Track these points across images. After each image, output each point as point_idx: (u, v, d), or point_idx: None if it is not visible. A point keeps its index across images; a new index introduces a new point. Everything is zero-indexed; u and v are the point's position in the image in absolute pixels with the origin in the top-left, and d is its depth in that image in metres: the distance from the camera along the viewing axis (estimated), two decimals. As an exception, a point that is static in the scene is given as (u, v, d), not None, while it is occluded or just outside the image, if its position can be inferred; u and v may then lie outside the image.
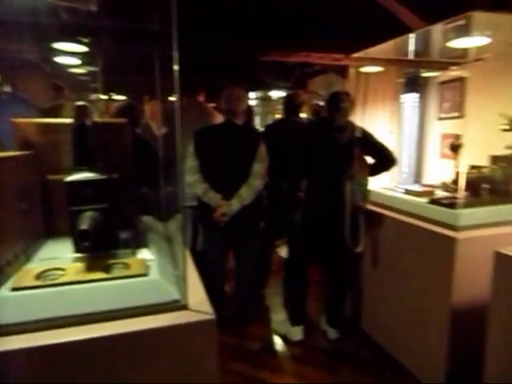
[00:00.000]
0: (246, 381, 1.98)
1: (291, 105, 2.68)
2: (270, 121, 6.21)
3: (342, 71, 3.95)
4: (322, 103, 3.27)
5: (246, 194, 2.14)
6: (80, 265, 1.05)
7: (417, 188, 2.34)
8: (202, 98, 2.88)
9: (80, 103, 1.12)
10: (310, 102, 3.62)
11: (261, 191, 2.31)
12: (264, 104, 6.99)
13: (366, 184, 2.02)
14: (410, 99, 3.55)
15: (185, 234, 2.71)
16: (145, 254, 1.19)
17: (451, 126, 3.09)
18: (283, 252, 3.09)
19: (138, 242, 1.26)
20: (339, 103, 2.06)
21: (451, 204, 1.80)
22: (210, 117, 2.68)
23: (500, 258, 1.39)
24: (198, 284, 1.13)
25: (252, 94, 7.13)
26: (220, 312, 2.58)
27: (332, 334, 2.27)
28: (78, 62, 2.93)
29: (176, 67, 0.90)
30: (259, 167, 2.16)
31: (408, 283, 1.96)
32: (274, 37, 3.23)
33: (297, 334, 2.26)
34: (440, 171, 3.13)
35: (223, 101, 2.22)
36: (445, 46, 2.98)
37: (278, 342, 2.31)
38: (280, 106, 5.79)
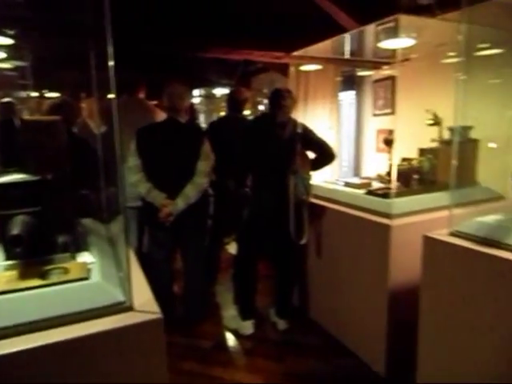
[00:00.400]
0: (198, 379, 1.97)
1: (234, 102, 2.70)
2: (214, 118, 6.19)
3: (284, 69, 4.05)
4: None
5: (191, 193, 2.13)
6: (12, 272, 0.98)
7: (356, 180, 2.48)
8: (142, 95, 2.80)
9: (4, 100, 1.05)
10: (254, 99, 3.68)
11: (206, 189, 2.31)
12: (208, 101, 6.94)
13: (308, 178, 2.10)
14: (348, 97, 3.73)
15: (130, 235, 2.64)
16: (86, 257, 1.15)
17: (385, 122, 3.30)
18: (232, 249, 3.12)
19: (78, 246, 1.21)
20: (281, 100, 2.12)
21: (385, 194, 1.94)
22: (152, 114, 2.62)
23: (428, 242, 1.53)
24: (143, 284, 1.11)
25: (196, 92, 7.06)
26: (170, 312, 2.53)
27: (281, 324, 2.33)
28: (2, 55, 2.70)
29: (111, 63, 0.88)
30: (204, 165, 2.16)
31: (349, 270, 2.08)
32: (216, 34, 3.22)
33: (248, 327, 2.30)
34: (377, 164, 3.33)
35: (165, 98, 2.18)
36: (377, 46, 3.20)
37: (230, 338, 2.33)
38: (224, 104, 5.79)
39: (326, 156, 2.20)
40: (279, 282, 2.36)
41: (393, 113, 3.18)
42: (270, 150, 2.11)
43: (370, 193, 2.05)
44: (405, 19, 2.74)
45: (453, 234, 1.49)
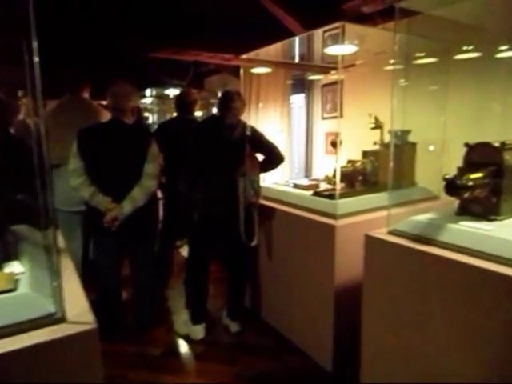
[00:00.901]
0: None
1: (183, 103, 2.66)
2: (167, 119, 6.08)
3: (237, 71, 4.06)
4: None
5: (138, 196, 2.07)
6: None
7: (304, 182, 2.54)
8: (87, 95, 2.68)
9: None
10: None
11: (155, 192, 2.26)
12: (161, 102, 6.79)
13: (257, 180, 2.12)
14: (299, 100, 3.82)
15: (75, 241, 2.52)
16: (14, 267, 1.07)
17: (333, 125, 3.41)
18: (185, 252, 3.07)
19: (8, 255, 1.13)
20: (230, 102, 2.12)
21: (330, 195, 2.00)
22: (96, 115, 2.51)
23: (369, 240, 1.60)
24: (79, 294, 1.06)
25: (148, 92, 6.89)
26: (118, 320, 2.44)
27: (233, 327, 2.33)
28: None
29: (36, 59, 0.83)
30: (151, 167, 2.11)
31: (298, 270, 2.12)
32: (166, 34, 3.16)
33: (199, 332, 2.27)
34: (326, 166, 3.44)
35: (109, 98, 2.11)
36: (324, 52, 3.31)
37: (181, 344, 2.29)
38: (177, 105, 5.68)
39: (274, 158, 2.23)
40: (231, 284, 2.36)
41: (340, 116, 3.30)
42: (218, 152, 2.10)
43: (317, 194, 2.11)
44: (349, 27, 2.87)
45: (391, 233, 1.57)
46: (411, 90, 2.68)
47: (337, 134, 2.98)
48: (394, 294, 1.49)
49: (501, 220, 1.46)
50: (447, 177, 1.44)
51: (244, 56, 2.66)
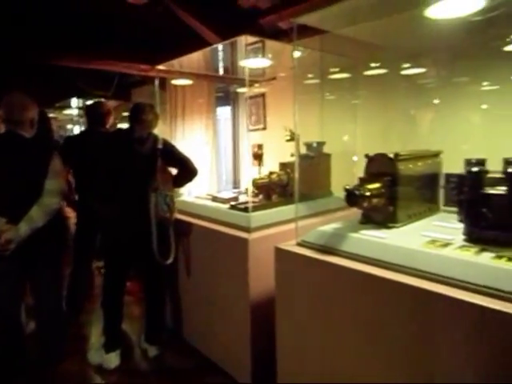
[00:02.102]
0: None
1: (95, 115, 2.51)
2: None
3: (163, 83, 3.96)
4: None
5: (36, 215, 1.87)
6: None
7: (226, 195, 2.50)
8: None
9: None
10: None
11: (60, 210, 2.07)
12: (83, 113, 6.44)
13: (170, 195, 2.03)
14: (225, 112, 3.81)
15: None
16: None
17: (259, 137, 3.44)
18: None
19: None
20: (141, 115, 2.02)
21: (245, 208, 1.97)
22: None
23: (279, 252, 1.59)
24: None
25: (74, 102, 6.51)
26: (19, 356, 2.17)
27: (152, 351, 2.19)
28: None
29: None
30: (52, 183, 1.92)
31: (216, 287, 2.06)
32: (74, 42, 2.98)
33: (112, 360, 2.10)
34: (252, 178, 3.45)
35: (3, 109, 1.91)
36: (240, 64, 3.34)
37: (93, 375, 2.10)
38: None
39: (188, 172, 2.15)
40: (148, 305, 2.22)
41: (265, 128, 3.33)
42: (128, 166, 1.98)
43: (233, 207, 2.08)
44: (269, 43, 2.94)
45: (299, 244, 1.58)
46: (326, 104, 2.79)
47: (259, 146, 3.00)
48: (304, 303, 1.49)
49: (398, 227, 1.52)
50: (347, 187, 1.48)
51: (160, 67, 2.58)
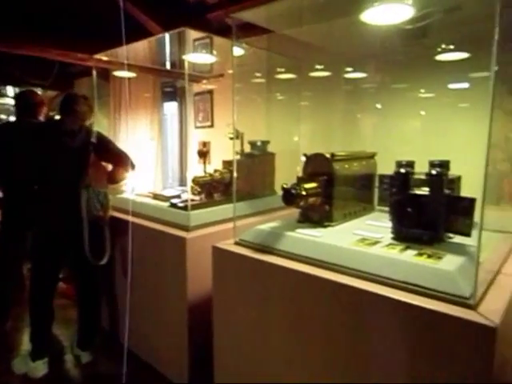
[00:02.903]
0: None
1: (25, 104, 2.31)
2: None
3: (106, 75, 3.77)
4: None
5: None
6: None
7: (168, 192, 2.42)
8: None
9: None
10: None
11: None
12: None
13: (104, 192, 1.93)
14: (172, 108, 3.71)
15: None
16: None
17: (206, 134, 3.38)
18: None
19: None
20: (73, 105, 1.90)
21: (185, 206, 1.92)
22: None
23: (216, 252, 1.56)
24: None
25: (11, 91, 6.02)
26: None
27: (85, 357, 2.07)
28: None
29: None
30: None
31: (154, 288, 1.99)
32: (10, 26, 2.74)
33: (39, 369, 1.96)
34: (193, 176, 3.39)
35: None
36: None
37: (17, 386, 1.94)
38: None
39: (124, 167, 2.06)
40: (80, 308, 2.10)
41: (211, 126, 3.29)
42: (57, 160, 1.85)
43: (173, 205, 2.02)
44: (216, 39, 2.90)
45: (237, 243, 1.56)
46: (271, 103, 2.81)
47: (204, 144, 2.96)
48: (241, 303, 1.48)
49: (333, 226, 1.56)
50: (285, 186, 1.48)
51: (102, 57, 2.44)
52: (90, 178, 1.83)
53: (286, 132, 2.61)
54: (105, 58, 2.60)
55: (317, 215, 1.58)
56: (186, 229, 1.83)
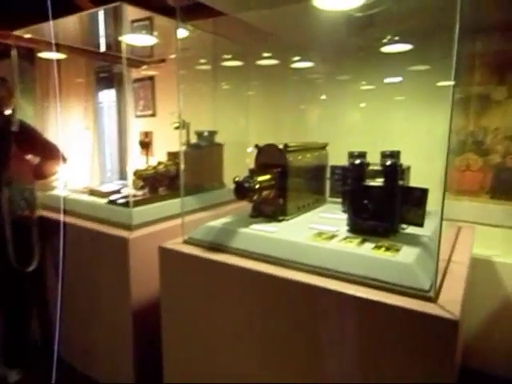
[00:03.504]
0: None
1: None
2: None
3: (31, 56, 3.36)
4: None
5: None
6: None
7: (107, 188, 2.21)
8: None
9: None
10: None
11: None
12: None
13: (30, 189, 1.69)
14: (109, 95, 3.42)
15: None
16: None
17: (147, 124, 3.17)
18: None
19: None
20: (-12, 89, 1.63)
21: (126, 203, 1.75)
22: None
23: (163, 252, 1.43)
24: None
25: None
26: None
27: (12, 376, 1.83)
28: None
29: None
30: None
31: (95, 294, 1.80)
32: None
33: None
34: (135, 169, 3.17)
35: None
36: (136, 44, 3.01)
37: None
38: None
39: (52, 160, 1.83)
40: (6, 322, 1.84)
41: (153, 115, 3.08)
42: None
43: (112, 202, 1.83)
44: (158, 19, 2.68)
45: (186, 242, 1.44)
46: (219, 92, 2.68)
47: (146, 134, 2.76)
48: (192, 305, 1.36)
49: (288, 220, 1.49)
50: (237, 179, 1.38)
51: (20, 33, 2.14)
52: (11, 173, 1.59)
53: (234, 122, 2.51)
54: (27, 36, 2.29)
55: (270, 209, 1.51)
56: (128, 228, 1.66)
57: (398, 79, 2.15)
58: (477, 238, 1.60)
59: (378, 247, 1.17)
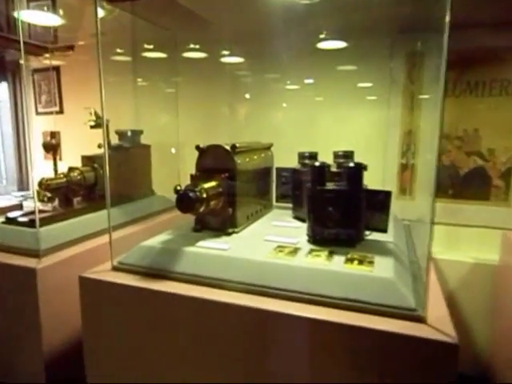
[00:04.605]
0: None
1: None
2: None
3: None
4: None
5: None
6: None
7: (3, 202, 1.77)
8: None
9: None
10: None
11: None
12: None
13: None
14: (3, 87, 2.84)
15: None
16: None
17: (53, 123, 2.69)
18: None
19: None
20: None
21: (31, 221, 1.38)
22: None
23: (86, 283, 1.12)
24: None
25: None
26: None
27: None
28: None
29: None
30: None
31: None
32: None
33: None
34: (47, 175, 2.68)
35: None
36: (36, 26, 2.52)
37: None
38: None
39: None
40: None
41: (60, 112, 2.62)
42: None
43: (10, 220, 1.43)
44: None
45: (116, 268, 1.15)
46: (144, 86, 2.36)
47: (52, 134, 2.31)
48: (125, 347, 1.09)
49: (238, 232, 1.30)
50: (179, 188, 1.14)
51: None
52: None
53: (162, 120, 2.22)
54: None
55: (217, 220, 1.30)
56: (36, 254, 1.30)
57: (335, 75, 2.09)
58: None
59: (349, 260, 1.03)
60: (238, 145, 1.28)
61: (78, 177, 1.60)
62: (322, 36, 2.03)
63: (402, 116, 1.88)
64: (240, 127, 2.15)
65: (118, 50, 2.30)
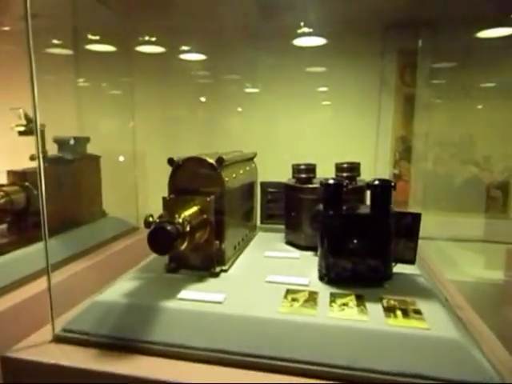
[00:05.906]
0: None
1: None
2: None
3: None
4: None
5: None
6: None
7: None
8: None
9: None
10: None
11: None
12: None
13: None
14: None
15: None
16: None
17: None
18: None
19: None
20: None
21: None
22: None
23: (9, 365, 0.75)
24: None
25: None
26: None
27: None
28: None
29: None
30: None
31: None
32: None
33: None
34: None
35: None
36: None
37: None
38: None
39: None
40: None
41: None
42: None
43: None
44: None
45: (59, 339, 0.80)
46: (89, 85, 1.97)
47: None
48: None
49: (227, 270, 1.00)
50: (151, 219, 0.82)
51: None
52: None
53: (114, 126, 1.85)
54: None
55: (199, 257, 0.99)
56: None
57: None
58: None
59: (389, 311, 0.78)
60: (224, 157, 0.98)
61: (3, 199, 1.19)
62: (299, 31, 1.81)
63: (393, 121, 1.70)
64: (209, 133, 1.84)
65: (56, 40, 1.89)
